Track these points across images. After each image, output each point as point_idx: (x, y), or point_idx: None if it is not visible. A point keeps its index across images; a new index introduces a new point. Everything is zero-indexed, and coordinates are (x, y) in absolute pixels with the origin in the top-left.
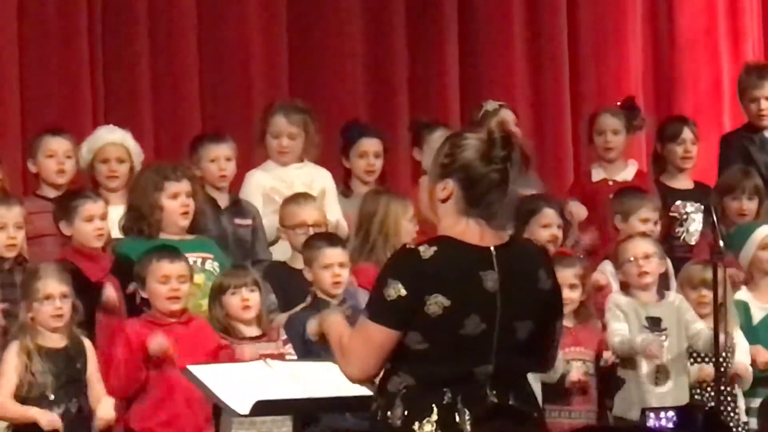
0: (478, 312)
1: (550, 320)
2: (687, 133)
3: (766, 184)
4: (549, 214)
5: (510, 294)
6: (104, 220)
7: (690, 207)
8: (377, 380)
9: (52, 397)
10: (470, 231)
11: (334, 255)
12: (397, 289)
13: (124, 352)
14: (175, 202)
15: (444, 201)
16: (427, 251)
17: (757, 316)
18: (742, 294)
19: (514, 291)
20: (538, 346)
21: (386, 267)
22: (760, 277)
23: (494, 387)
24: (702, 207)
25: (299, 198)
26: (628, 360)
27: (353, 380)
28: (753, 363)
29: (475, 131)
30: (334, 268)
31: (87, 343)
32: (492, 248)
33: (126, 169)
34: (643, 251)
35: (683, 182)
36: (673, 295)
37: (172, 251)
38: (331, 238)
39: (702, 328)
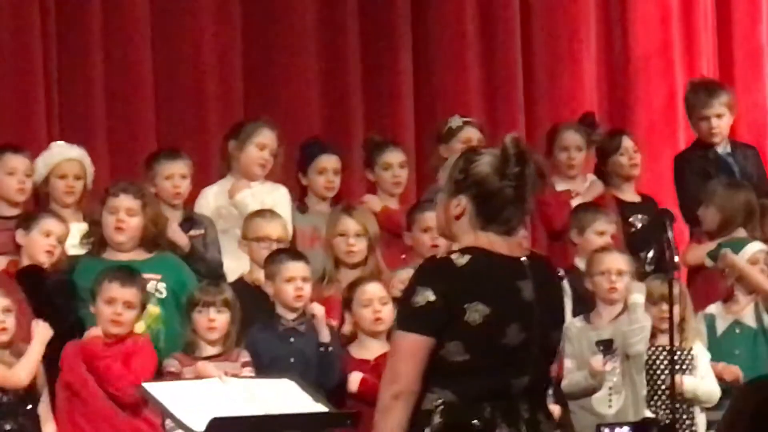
0: (518, 321)
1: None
2: (627, 142)
3: None
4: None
5: (545, 302)
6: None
7: (637, 219)
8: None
9: (3, 410)
10: (495, 243)
11: (297, 269)
12: (425, 296)
13: (62, 374)
14: (111, 217)
15: (458, 218)
16: (460, 259)
17: (720, 327)
18: (712, 308)
19: (547, 300)
20: (555, 355)
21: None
22: (743, 292)
23: (526, 401)
24: (648, 219)
25: (265, 213)
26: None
27: (395, 397)
28: (721, 379)
29: (490, 147)
30: (296, 281)
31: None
32: (523, 258)
33: (81, 185)
34: (617, 267)
35: (631, 194)
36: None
37: (127, 275)
38: (293, 252)
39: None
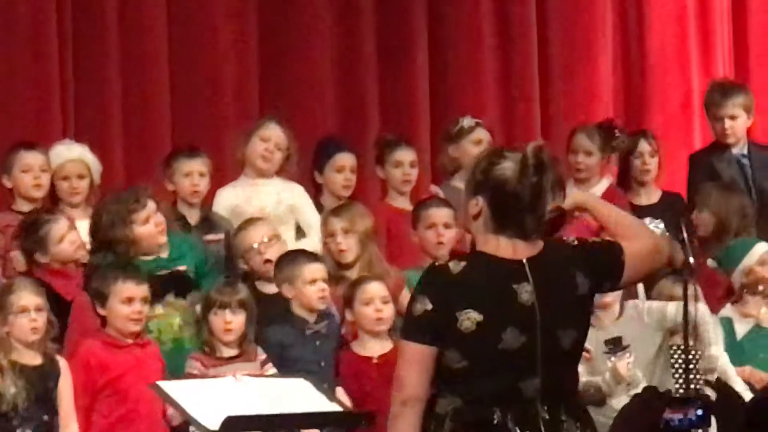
0: (516, 325)
1: (589, 324)
2: (644, 146)
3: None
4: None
5: (549, 304)
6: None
7: (650, 224)
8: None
9: (21, 413)
10: (502, 246)
11: (318, 270)
12: (423, 304)
13: (80, 375)
14: (149, 226)
15: (475, 217)
16: (456, 266)
17: (740, 331)
18: (726, 311)
19: (552, 300)
20: (580, 355)
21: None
22: (751, 292)
23: (545, 402)
24: (663, 223)
25: (245, 223)
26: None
27: (403, 404)
28: (747, 382)
29: (513, 151)
30: (319, 282)
31: (62, 363)
32: (524, 260)
33: (86, 184)
34: None
35: (647, 197)
36: (630, 305)
37: (137, 272)
38: (310, 254)
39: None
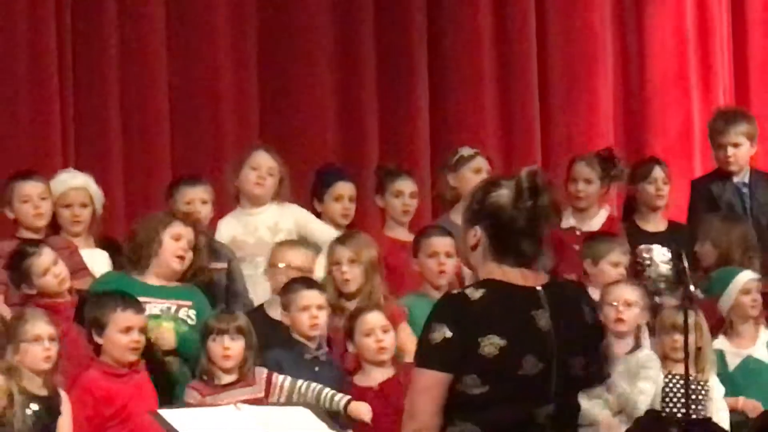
0: (534, 352)
1: (596, 351)
2: (658, 172)
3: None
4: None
5: (562, 332)
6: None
7: (656, 251)
8: None
9: None
10: (510, 274)
11: (312, 297)
12: (442, 332)
13: (86, 406)
14: (175, 244)
15: (474, 248)
16: (474, 293)
17: (732, 363)
18: (718, 342)
19: (565, 328)
20: (587, 381)
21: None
22: (739, 322)
23: (554, 429)
24: (670, 251)
25: (286, 243)
26: None
27: None
28: (741, 412)
29: (509, 179)
30: (311, 309)
31: (64, 396)
32: (538, 288)
33: (88, 213)
34: (625, 298)
35: (655, 224)
36: (644, 351)
37: (136, 301)
38: (307, 281)
39: (641, 389)
